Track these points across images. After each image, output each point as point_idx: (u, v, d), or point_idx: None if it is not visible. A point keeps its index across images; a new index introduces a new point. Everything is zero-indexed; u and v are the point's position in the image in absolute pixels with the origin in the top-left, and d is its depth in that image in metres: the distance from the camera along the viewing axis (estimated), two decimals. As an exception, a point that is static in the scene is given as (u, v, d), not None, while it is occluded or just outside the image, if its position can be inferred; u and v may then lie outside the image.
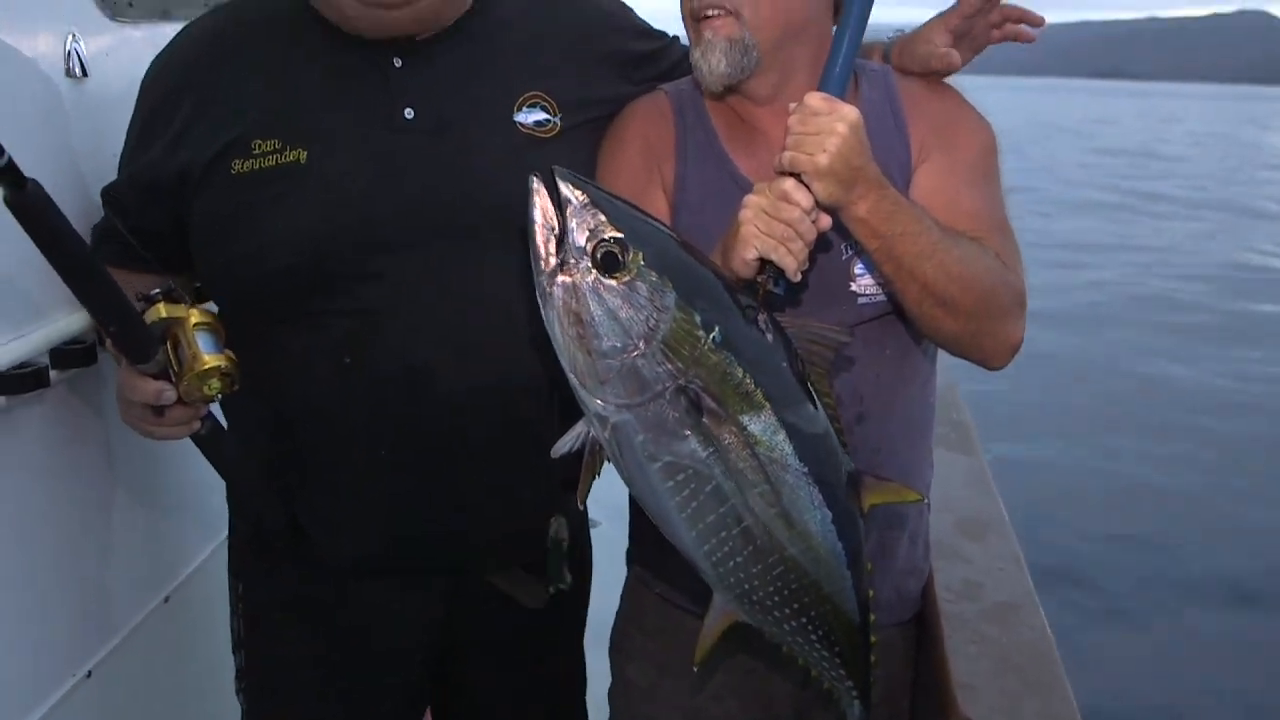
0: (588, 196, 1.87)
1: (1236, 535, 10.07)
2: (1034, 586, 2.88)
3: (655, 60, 2.55)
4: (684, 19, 2.30)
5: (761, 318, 1.94)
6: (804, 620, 2.06)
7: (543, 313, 1.89)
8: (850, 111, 2.02)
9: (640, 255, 1.85)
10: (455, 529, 2.39)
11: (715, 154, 2.35)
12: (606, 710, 2.66)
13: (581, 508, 2.07)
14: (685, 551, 2.01)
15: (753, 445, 1.91)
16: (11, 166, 1.81)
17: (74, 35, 2.53)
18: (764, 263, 1.99)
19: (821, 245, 2.09)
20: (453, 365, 2.28)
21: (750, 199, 2.02)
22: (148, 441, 2.28)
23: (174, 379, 2.11)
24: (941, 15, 2.39)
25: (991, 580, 2.91)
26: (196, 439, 2.22)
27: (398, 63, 2.30)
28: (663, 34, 2.61)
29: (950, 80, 2.44)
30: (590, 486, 2.02)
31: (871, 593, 2.12)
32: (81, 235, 2.08)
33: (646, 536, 2.37)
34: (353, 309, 2.26)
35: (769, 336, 1.94)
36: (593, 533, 2.73)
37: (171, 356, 2.11)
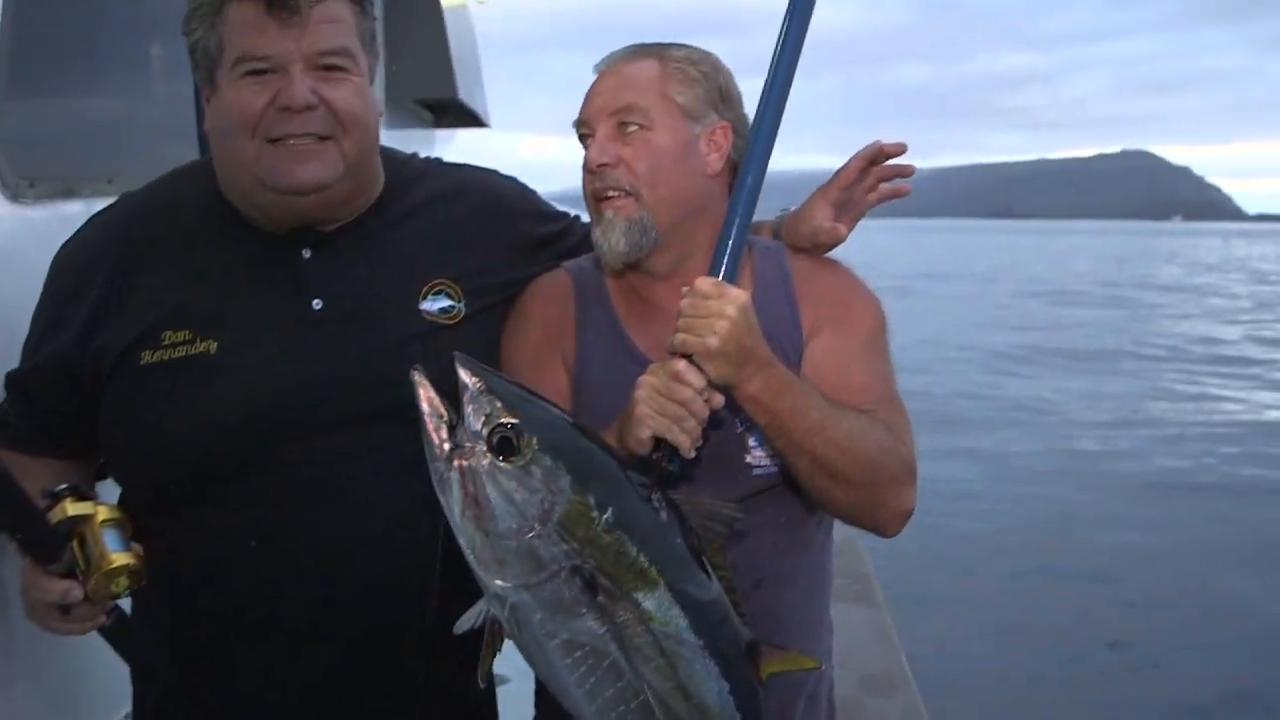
0: (483, 382, 1.93)
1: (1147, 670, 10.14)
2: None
3: (558, 240, 2.63)
4: (585, 197, 2.39)
5: (655, 496, 2.00)
6: (708, 789, 2.08)
7: (440, 496, 1.93)
8: (739, 295, 2.10)
9: (535, 440, 1.90)
10: (365, 716, 2.39)
11: (614, 331, 2.42)
12: None
13: (482, 684, 2.08)
14: None
15: (648, 621, 1.95)
16: None
17: None
18: (659, 441, 2.06)
19: (716, 422, 2.15)
20: (361, 552, 2.29)
21: (644, 380, 2.09)
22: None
23: (81, 578, 2.10)
24: (821, 190, 2.51)
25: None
26: (102, 630, 2.20)
27: (306, 254, 2.35)
28: (564, 214, 2.70)
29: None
30: (491, 665, 2.04)
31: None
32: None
33: (551, 707, 2.37)
34: (260, 495, 2.28)
35: (663, 514, 2.00)
36: (500, 690, 2.71)
37: (78, 555, 2.10)
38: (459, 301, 2.42)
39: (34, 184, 2.83)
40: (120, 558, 2.10)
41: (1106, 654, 10.33)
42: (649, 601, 1.95)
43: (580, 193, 2.42)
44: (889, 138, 2.50)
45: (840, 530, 2.61)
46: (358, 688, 2.36)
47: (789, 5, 2.28)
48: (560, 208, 2.74)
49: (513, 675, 2.69)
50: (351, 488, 2.30)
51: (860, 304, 2.47)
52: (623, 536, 1.92)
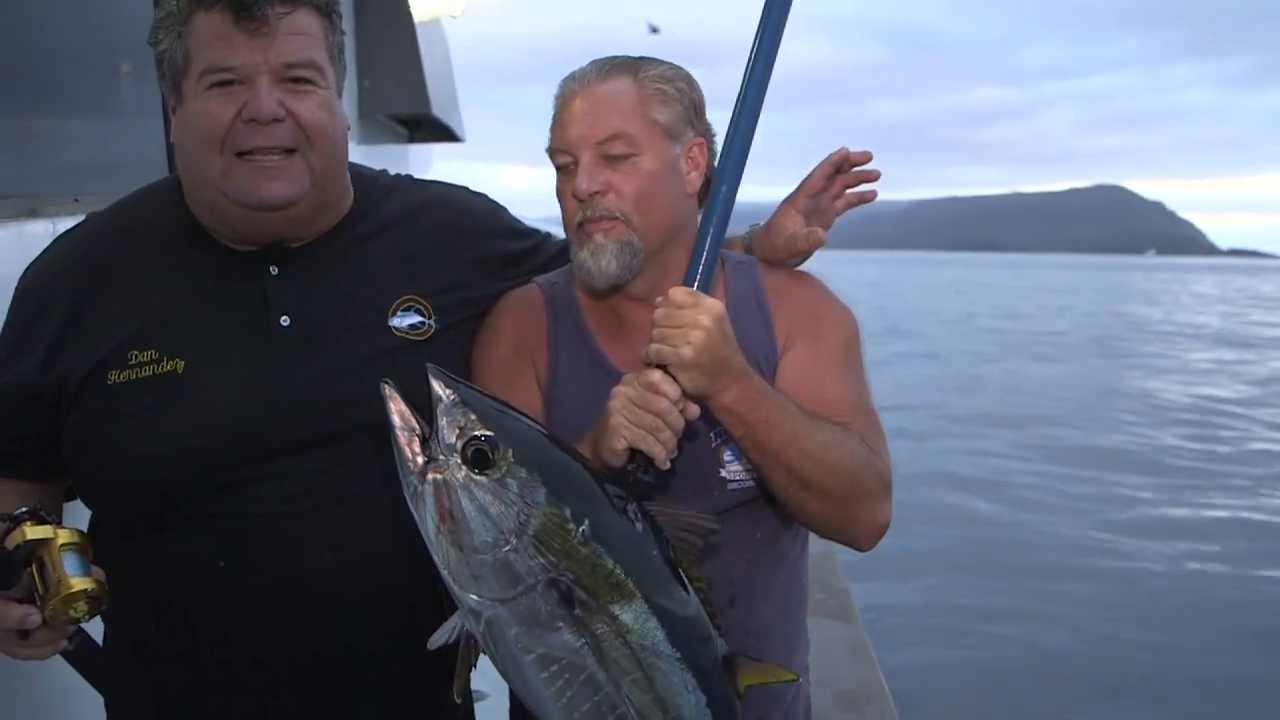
0: (456, 394, 1.92)
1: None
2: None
3: (529, 257, 2.61)
4: (566, 224, 2.35)
5: (631, 507, 1.99)
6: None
7: (413, 510, 1.90)
8: (714, 304, 2.09)
9: (510, 452, 1.89)
10: None
11: (587, 346, 2.41)
12: None
13: (458, 700, 2.05)
14: None
15: (625, 634, 1.93)
16: None
17: None
18: (634, 452, 2.05)
19: (690, 434, 2.14)
20: (330, 571, 2.27)
21: (619, 390, 2.08)
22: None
23: (39, 602, 2.07)
24: (788, 200, 2.51)
25: (872, 754, 2.93)
26: (67, 655, 2.17)
27: (274, 270, 2.33)
28: (535, 231, 2.68)
29: (820, 257, 2.53)
30: (467, 680, 2.02)
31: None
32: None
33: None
34: (228, 514, 2.25)
35: (638, 526, 1.98)
36: (478, 706, 2.69)
37: (37, 579, 2.07)
38: (429, 318, 2.40)
39: None
40: (79, 582, 2.06)
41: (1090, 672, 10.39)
42: (626, 614, 1.93)
43: (553, 221, 2.40)
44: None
45: (816, 544, 2.60)
46: (331, 708, 2.33)
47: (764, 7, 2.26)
48: None
49: (490, 691, 2.68)
50: (322, 507, 2.28)
51: (833, 316, 2.47)
52: (599, 549, 1.90)
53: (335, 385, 2.29)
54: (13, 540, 2.07)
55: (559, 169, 2.34)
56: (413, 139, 8.38)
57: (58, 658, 2.20)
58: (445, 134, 8.55)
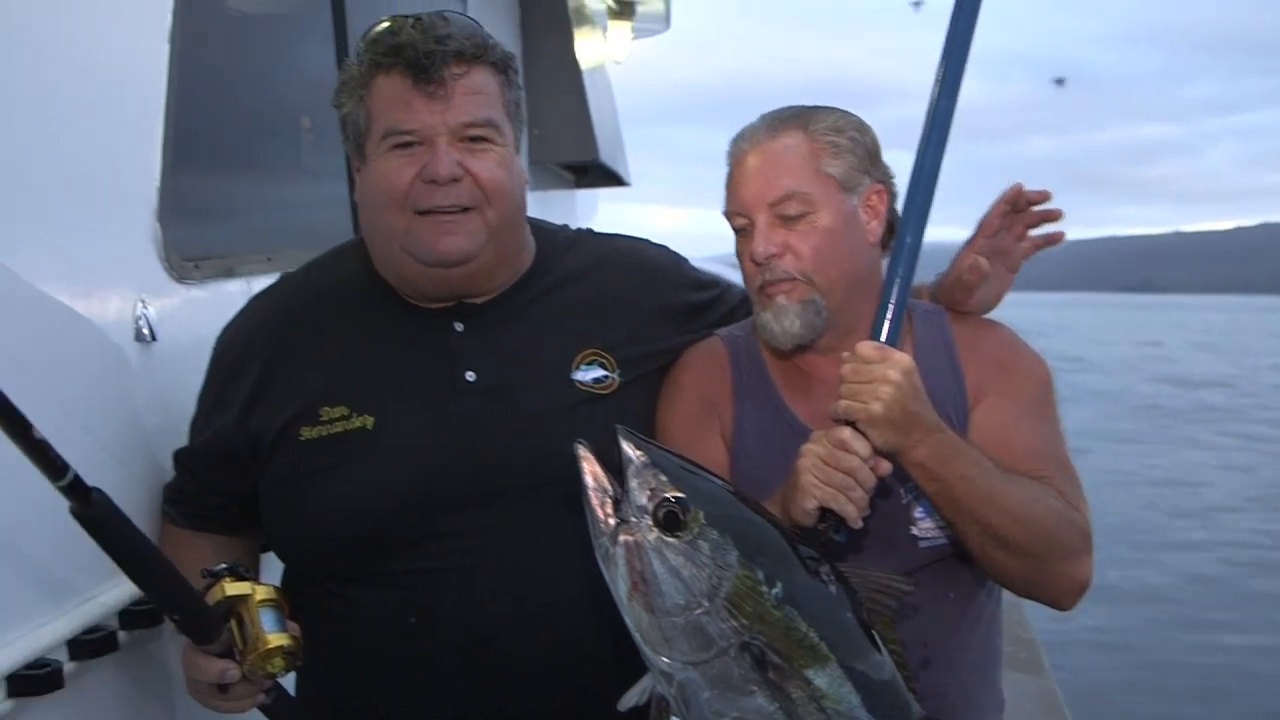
0: (647, 456, 1.91)
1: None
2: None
3: (712, 308, 2.60)
4: (748, 283, 2.33)
5: (824, 569, 1.95)
6: None
7: (604, 572, 1.90)
8: (902, 358, 2.05)
9: (701, 514, 1.87)
10: None
11: (772, 400, 2.38)
12: None
13: None
14: None
15: (819, 699, 1.90)
16: (76, 482, 1.86)
17: (143, 301, 2.62)
18: (824, 511, 2.02)
19: (881, 490, 2.10)
20: (516, 627, 2.28)
21: (808, 448, 2.05)
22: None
23: (238, 657, 2.13)
24: (967, 242, 2.44)
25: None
26: (263, 708, 2.22)
27: (459, 327, 2.37)
28: (716, 281, 2.67)
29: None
30: None
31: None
32: (146, 530, 2.12)
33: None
34: (417, 569, 2.28)
35: (832, 587, 1.95)
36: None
37: (236, 634, 2.13)
38: (612, 371, 2.40)
39: (198, 265, 2.91)
40: (276, 638, 2.12)
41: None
42: (820, 678, 1.89)
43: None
44: None
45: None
46: None
47: (946, 42, 2.23)
48: None
49: None
50: (508, 563, 2.29)
51: (1025, 365, 2.40)
52: (792, 611, 1.88)
53: (520, 440, 2.31)
54: (213, 596, 2.13)
55: (736, 231, 2.32)
56: (579, 184, 8.48)
57: (254, 711, 2.26)
58: (611, 179, 8.62)
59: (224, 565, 2.17)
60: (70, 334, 2.41)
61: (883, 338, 2.14)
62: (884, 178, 2.36)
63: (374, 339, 2.39)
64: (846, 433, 2.03)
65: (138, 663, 2.50)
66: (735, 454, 2.36)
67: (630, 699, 1.98)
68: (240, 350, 2.44)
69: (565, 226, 2.65)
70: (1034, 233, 2.42)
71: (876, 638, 1.97)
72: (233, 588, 2.13)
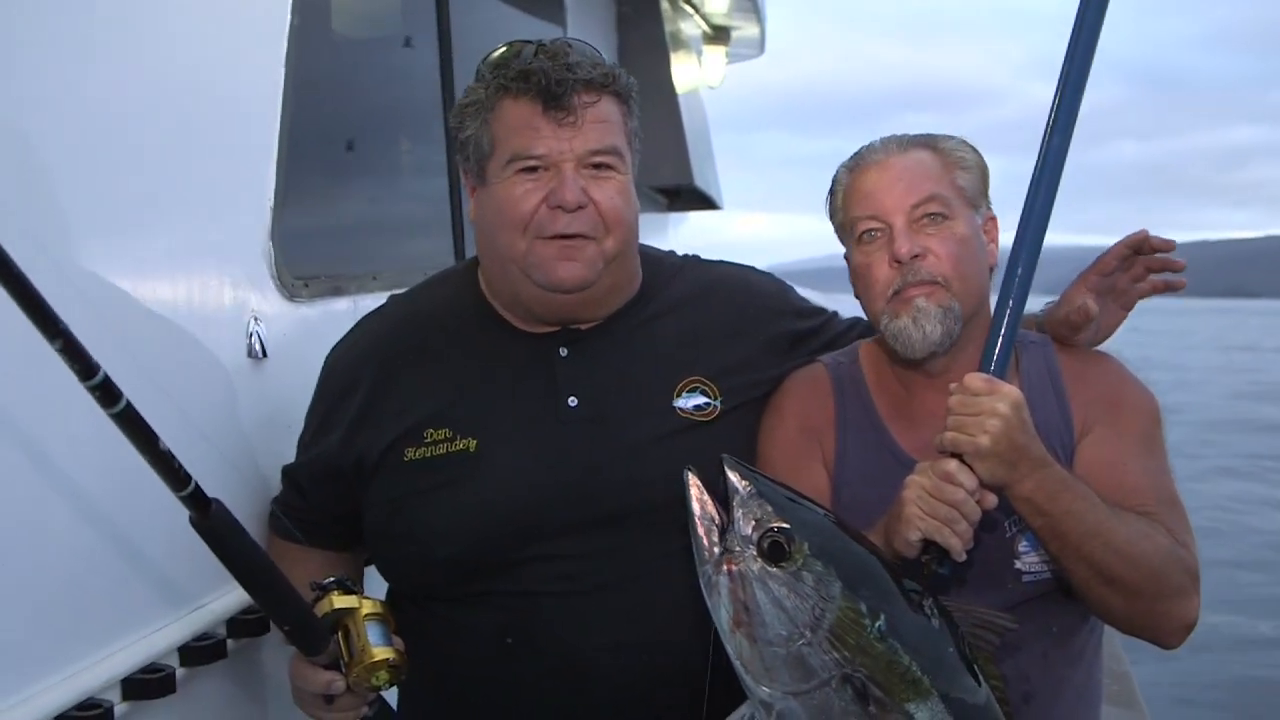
0: (753, 485, 1.92)
1: None
2: None
3: (815, 336, 2.60)
4: (877, 292, 2.29)
5: (927, 602, 1.94)
6: None
7: (707, 600, 1.91)
8: (1012, 391, 2.04)
9: (805, 544, 1.88)
10: None
11: (875, 429, 2.37)
12: None
13: None
14: None
15: None
16: (197, 492, 1.92)
17: (255, 318, 2.69)
18: (928, 543, 2.01)
19: (985, 524, 2.08)
20: (612, 651, 2.29)
21: (913, 480, 2.04)
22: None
23: (344, 669, 2.18)
24: (1081, 276, 2.42)
25: None
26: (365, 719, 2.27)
27: (563, 352, 2.39)
28: (820, 310, 2.67)
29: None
30: None
31: None
32: (258, 537, 2.19)
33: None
34: (516, 591, 2.31)
35: (934, 621, 1.94)
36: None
37: (342, 647, 2.18)
38: (714, 399, 2.41)
39: (308, 284, 2.97)
40: (382, 652, 2.17)
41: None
42: (921, 712, 1.89)
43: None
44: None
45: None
46: None
47: (1060, 82, 2.22)
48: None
49: None
50: (605, 587, 2.31)
51: (1133, 399, 2.37)
52: (895, 645, 1.87)
53: (620, 466, 2.32)
54: (321, 609, 2.18)
55: (860, 238, 2.30)
56: (672, 207, 8.51)
57: None
58: (704, 202, 8.65)
59: (332, 579, 2.22)
60: (186, 349, 2.49)
61: (991, 369, 2.12)
62: (992, 210, 2.37)
63: (479, 363, 2.43)
64: (953, 465, 2.01)
65: (244, 670, 2.57)
66: (837, 483, 2.36)
67: None
68: (349, 372, 2.48)
69: (672, 253, 2.67)
70: (1155, 276, 2.40)
71: (978, 672, 1.96)
72: (340, 601, 2.19)
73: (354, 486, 2.43)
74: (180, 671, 2.29)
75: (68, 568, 2.09)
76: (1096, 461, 2.25)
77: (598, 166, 2.29)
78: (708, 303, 2.53)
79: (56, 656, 2.05)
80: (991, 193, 2.34)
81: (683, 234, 8.68)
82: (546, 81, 2.24)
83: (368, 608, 2.21)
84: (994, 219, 2.37)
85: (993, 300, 2.25)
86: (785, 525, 1.88)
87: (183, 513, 1.96)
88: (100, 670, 2.11)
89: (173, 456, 1.86)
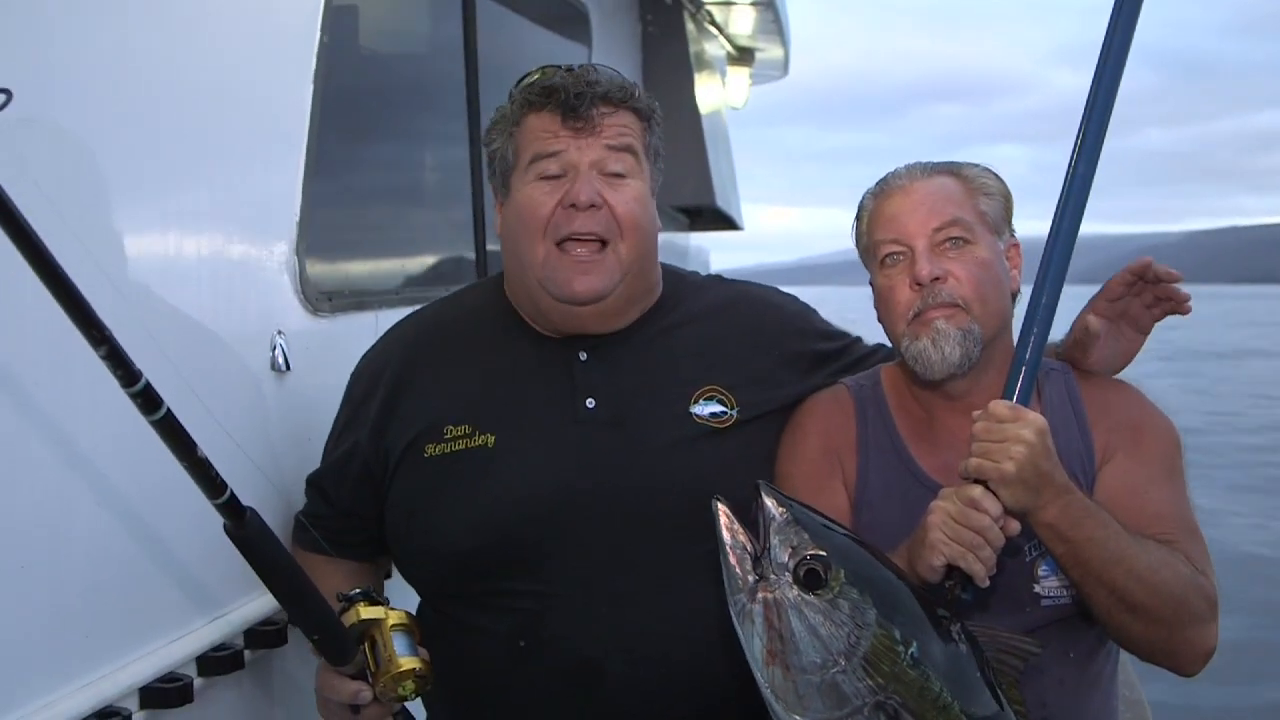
0: (789, 513, 1.92)
1: None
2: None
3: (837, 358, 2.61)
4: (898, 314, 2.30)
5: (955, 628, 1.95)
6: None
7: (738, 628, 1.90)
8: (1036, 419, 2.04)
9: (842, 572, 1.87)
10: None
11: (896, 451, 2.38)
12: None
13: None
14: None
15: None
16: (232, 501, 1.93)
17: (279, 332, 2.71)
18: (951, 568, 2.01)
19: (1007, 548, 2.08)
20: (624, 656, 2.30)
21: (938, 505, 2.04)
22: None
23: (370, 679, 2.19)
24: (1090, 303, 2.42)
25: None
26: None
27: (583, 356, 2.43)
28: (844, 334, 2.69)
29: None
30: None
31: None
32: (286, 541, 2.19)
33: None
34: (529, 591, 2.33)
35: (962, 647, 1.94)
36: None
37: (369, 656, 2.19)
38: (731, 408, 2.42)
39: (331, 298, 2.99)
40: (408, 662, 2.18)
41: None
42: None
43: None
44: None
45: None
46: None
47: (1086, 107, 2.21)
48: (799, 277, 2.73)
49: None
50: (620, 592, 2.32)
51: (1153, 427, 2.37)
52: (927, 671, 1.87)
53: (636, 469, 2.35)
54: (348, 619, 2.19)
55: (883, 261, 2.32)
56: (693, 227, 8.52)
57: None
58: (725, 222, 8.65)
59: (358, 590, 2.23)
60: (211, 362, 2.51)
61: (1015, 396, 2.13)
62: (1015, 237, 2.39)
63: (500, 363, 2.46)
64: (977, 491, 2.01)
65: (260, 681, 2.58)
66: (858, 505, 2.36)
67: None
68: (374, 372, 2.52)
69: (695, 272, 2.70)
70: (1164, 300, 2.38)
71: (1001, 697, 1.96)
72: (367, 611, 2.20)
73: (380, 485, 2.46)
74: (198, 681, 2.30)
75: (88, 577, 2.11)
76: (1117, 488, 2.26)
77: (614, 174, 2.35)
78: (729, 316, 2.56)
79: (76, 664, 2.07)
80: (1018, 181, 2.34)
81: (705, 233, 8.73)
82: (567, 96, 2.32)
83: (394, 618, 2.22)
84: (1017, 245, 2.38)
85: (1016, 328, 2.25)
86: (822, 553, 1.88)
87: (203, 523, 1.98)
88: (119, 679, 2.13)
89: (209, 464, 1.88)
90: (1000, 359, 2.26)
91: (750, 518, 1.94)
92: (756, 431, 2.45)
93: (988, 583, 2.02)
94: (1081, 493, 2.11)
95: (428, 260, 4.10)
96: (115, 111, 2.23)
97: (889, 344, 2.42)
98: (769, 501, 1.92)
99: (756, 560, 1.89)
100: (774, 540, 1.89)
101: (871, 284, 2.39)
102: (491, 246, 3.99)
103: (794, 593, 1.86)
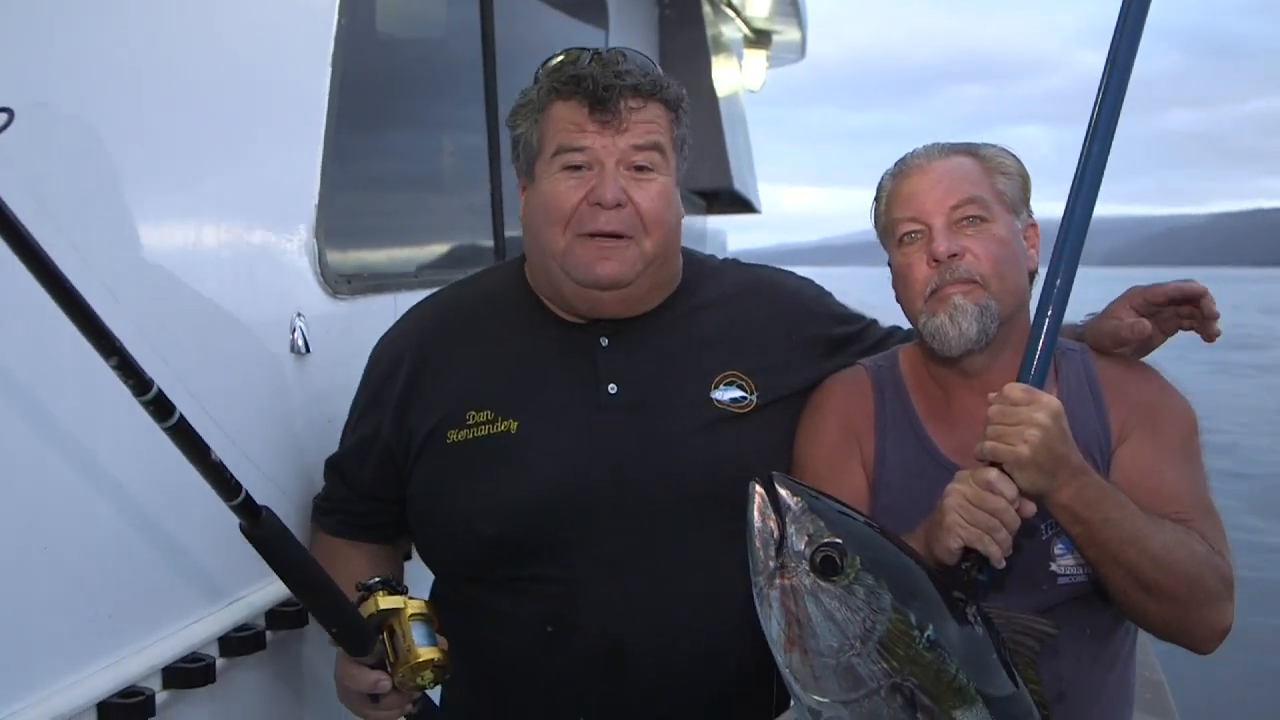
0: (805, 502, 1.93)
1: None
2: None
3: (854, 341, 2.62)
4: (916, 292, 2.31)
5: (971, 610, 1.96)
6: None
7: (759, 612, 1.92)
8: (1051, 401, 2.05)
9: (857, 559, 1.89)
10: None
11: (915, 432, 2.39)
12: None
13: None
14: None
15: None
16: (248, 501, 1.94)
17: (299, 314, 2.72)
18: (968, 551, 2.02)
19: (1023, 529, 2.08)
20: (650, 639, 2.32)
21: (954, 488, 2.05)
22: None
23: (389, 669, 2.20)
24: (1127, 294, 2.43)
25: None
26: (409, 716, 2.29)
27: (604, 341, 2.43)
28: (860, 317, 2.69)
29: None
30: None
31: None
32: (299, 537, 2.20)
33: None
34: (555, 577, 2.34)
35: (978, 629, 1.95)
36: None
37: (388, 646, 2.20)
38: (751, 394, 2.44)
39: (350, 280, 3.01)
40: (427, 652, 2.19)
41: None
42: (967, 719, 1.89)
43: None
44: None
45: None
46: None
47: (1101, 88, 2.21)
48: (821, 258, 2.74)
49: None
50: (641, 574, 2.33)
51: (1171, 408, 2.37)
52: (943, 654, 1.88)
53: (658, 453, 2.36)
54: (366, 609, 2.20)
55: (901, 240, 2.33)
56: (710, 210, 8.52)
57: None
58: (742, 205, 8.64)
59: (377, 579, 2.24)
60: (231, 345, 2.52)
61: (1029, 379, 2.13)
62: (1033, 218, 2.39)
63: (522, 348, 2.47)
64: (993, 474, 2.02)
65: (282, 661, 2.60)
66: (876, 485, 2.37)
67: None
68: (395, 354, 2.52)
69: (712, 256, 2.71)
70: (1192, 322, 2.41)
71: (1018, 677, 1.97)
72: (386, 601, 2.20)
73: (400, 469, 2.47)
74: (220, 661, 2.33)
75: (111, 558, 2.13)
76: (1133, 469, 2.26)
77: (640, 169, 2.34)
78: (747, 301, 2.57)
79: (99, 644, 2.09)
80: (1040, 161, 2.35)
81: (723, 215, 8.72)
82: (595, 86, 2.30)
83: (413, 608, 2.23)
84: (1035, 226, 2.39)
85: (1033, 309, 2.26)
86: (837, 540, 1.89)
87: (225, 507, 1.99)
88: (141, 659, 2.15)
89: (223, 467, 1.88)
90: (1018, 338, 2.27)
91: (774, 505, 1.95)
92: (776, 416, 2.46)
93: (1004, 564, 2.03)
94: (1097, 474, 2.11)
95: (446, 243, 4.11)
96: (134, 98, 2.24)
97: (907, 327, 2.43)
98: (784, 491, 1.94)
99: (780, 546, 1.91)
100: (790, 529, 1.91)
101: (890, 264, 2.39)
102: (509, 230, 4.00)
103: (810, 580, 1.88)
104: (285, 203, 2.78)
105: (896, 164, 2.41)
